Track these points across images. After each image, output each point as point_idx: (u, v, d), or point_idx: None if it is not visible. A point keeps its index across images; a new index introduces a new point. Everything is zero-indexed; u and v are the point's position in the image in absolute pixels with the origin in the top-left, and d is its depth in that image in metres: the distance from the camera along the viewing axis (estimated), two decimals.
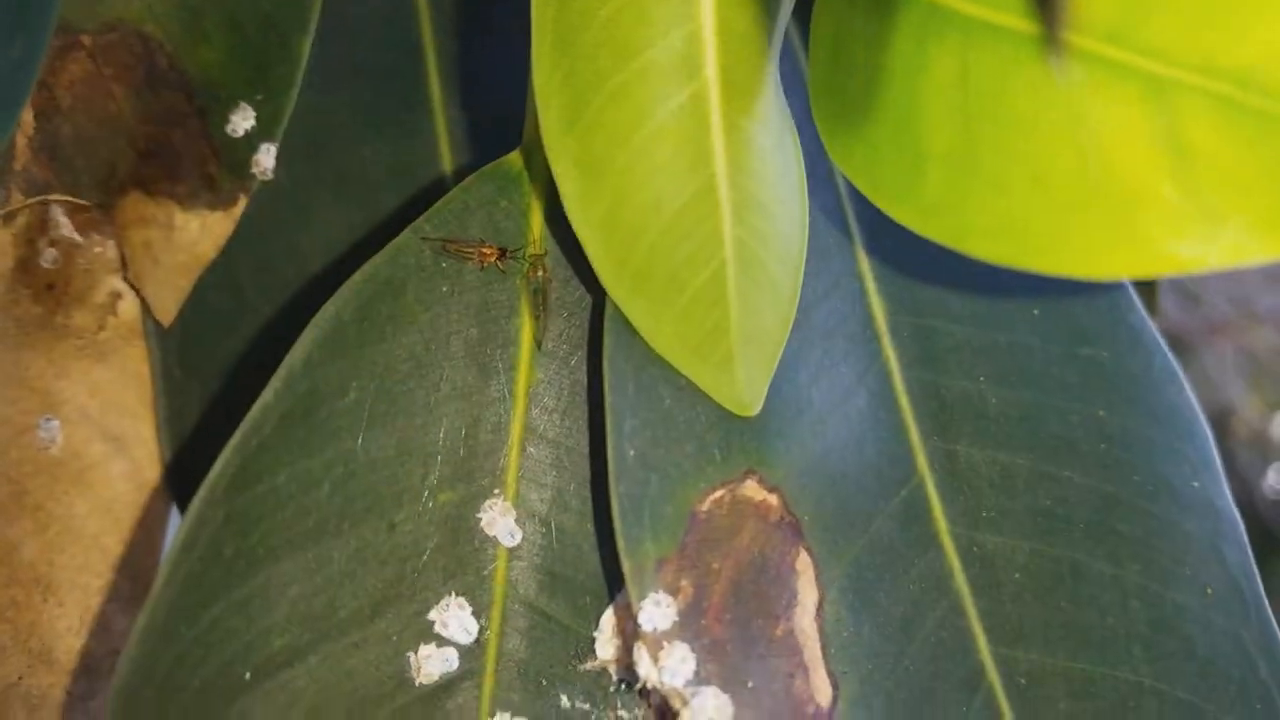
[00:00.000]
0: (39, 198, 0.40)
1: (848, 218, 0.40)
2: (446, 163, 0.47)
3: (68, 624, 0.38)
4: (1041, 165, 0.28)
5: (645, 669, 0.33)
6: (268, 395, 0.33)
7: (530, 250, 0.37)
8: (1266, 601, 0.39)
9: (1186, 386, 0.41)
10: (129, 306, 0.41)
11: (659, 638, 0.32)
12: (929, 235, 0.31)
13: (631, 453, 0.33)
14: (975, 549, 0.38)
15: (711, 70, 0.33)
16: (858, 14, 0.32)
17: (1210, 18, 0.25)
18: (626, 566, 0.33)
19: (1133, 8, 0.26)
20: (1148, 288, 0.52)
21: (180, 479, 0.41)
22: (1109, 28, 0.26)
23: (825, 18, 0.34)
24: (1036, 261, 0.28)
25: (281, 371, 0.33)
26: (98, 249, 0.40)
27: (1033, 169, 0.28)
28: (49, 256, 0.40)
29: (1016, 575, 0.38)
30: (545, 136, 0.34)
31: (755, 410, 0.35)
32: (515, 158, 0.38)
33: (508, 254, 0.37)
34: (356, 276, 0.35)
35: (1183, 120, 0.26)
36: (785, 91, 0.36)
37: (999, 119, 0.29)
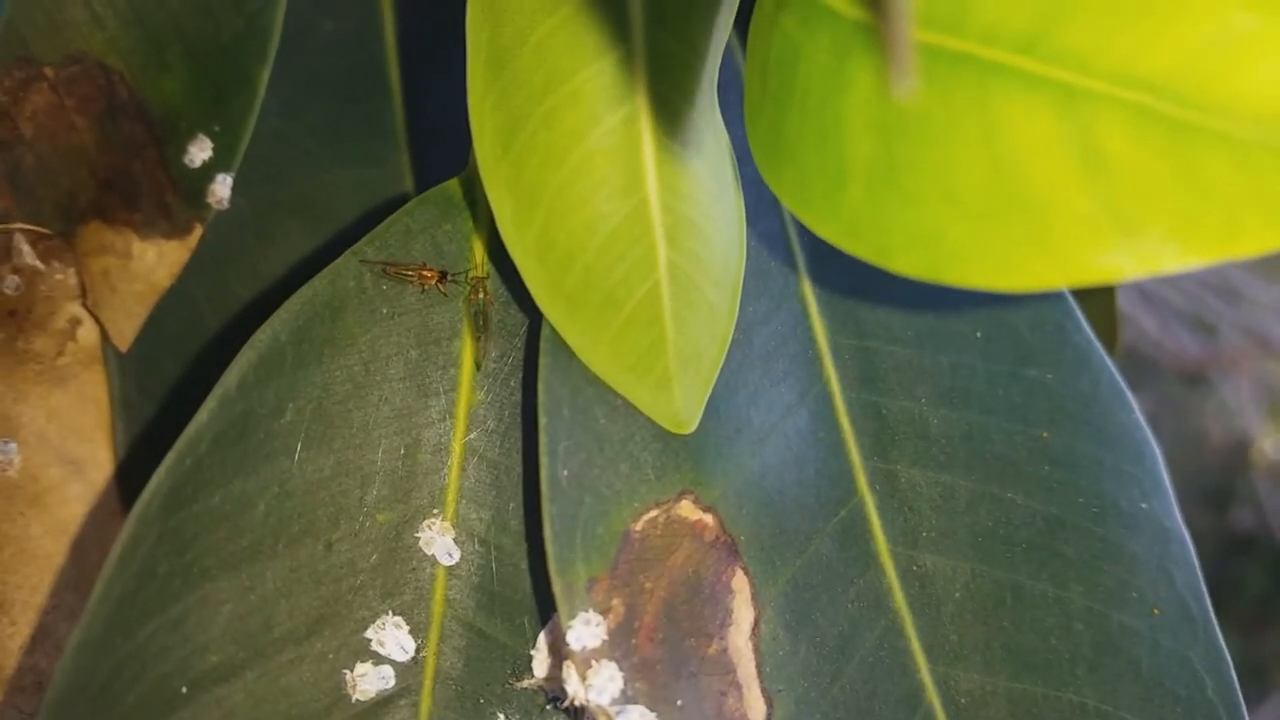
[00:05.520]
0: (2, 226, 0.41)
1: (791, 241, 0.40)
2: (410, 187, 0.47)
3: (20, 642, 0.39)
4: (955, 178, 0.28)
5: (573, 687, 0.33)
6: (202, 416, 0.33)
7: (472, 273, 0.38)
8: (1215, 621, 0.39)
9: (1136, 407, 0.41)
10: (88, 332, 0.41)
11: (588, 656, 0.33)
12: (853, 252, 0.31)
13: (565, 473, 0.34)
14: (915, 569, 0.38)
15: (642, 95, 0.34)
16: (785, 34, 0.33)
17: (1123, 25, 0.25)
18: (557, 586, 0.33)
19: (1045, 16, 0.26)
20: (1106, 309, 0.52)
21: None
22: (1021, 37, 0.26)
23: (758, 40, 0.35)
24: (953, 275, 0.28)
25: (217, 392, 0.34)
26: (59, 276, 0.41)
27: (946, 182, 0.28)
28: (11, 283, 0.41)
29: (957, 595, 0.38)
30: (480, 159, 0.34)
31: (691, 428, 0.35)
32: (456, 182, 0.38)
33: (449, 276, 0.37)
34: (294, 299, 0.35)
35: (1096, 129, 0.26)
36: (733, 119, 0.36)
37: (915, 133, 0.29)
